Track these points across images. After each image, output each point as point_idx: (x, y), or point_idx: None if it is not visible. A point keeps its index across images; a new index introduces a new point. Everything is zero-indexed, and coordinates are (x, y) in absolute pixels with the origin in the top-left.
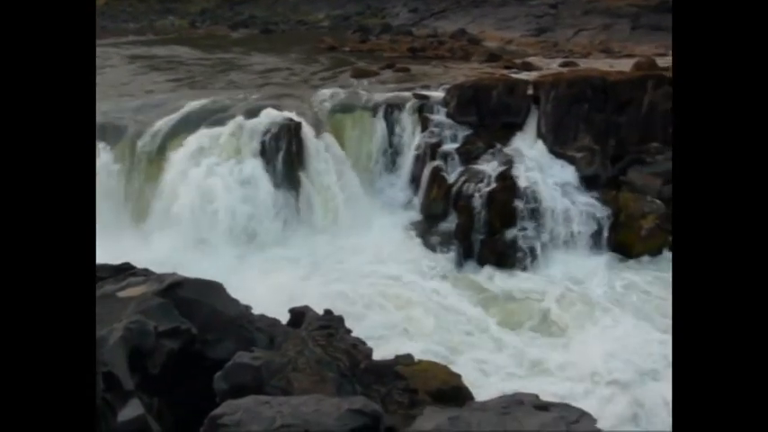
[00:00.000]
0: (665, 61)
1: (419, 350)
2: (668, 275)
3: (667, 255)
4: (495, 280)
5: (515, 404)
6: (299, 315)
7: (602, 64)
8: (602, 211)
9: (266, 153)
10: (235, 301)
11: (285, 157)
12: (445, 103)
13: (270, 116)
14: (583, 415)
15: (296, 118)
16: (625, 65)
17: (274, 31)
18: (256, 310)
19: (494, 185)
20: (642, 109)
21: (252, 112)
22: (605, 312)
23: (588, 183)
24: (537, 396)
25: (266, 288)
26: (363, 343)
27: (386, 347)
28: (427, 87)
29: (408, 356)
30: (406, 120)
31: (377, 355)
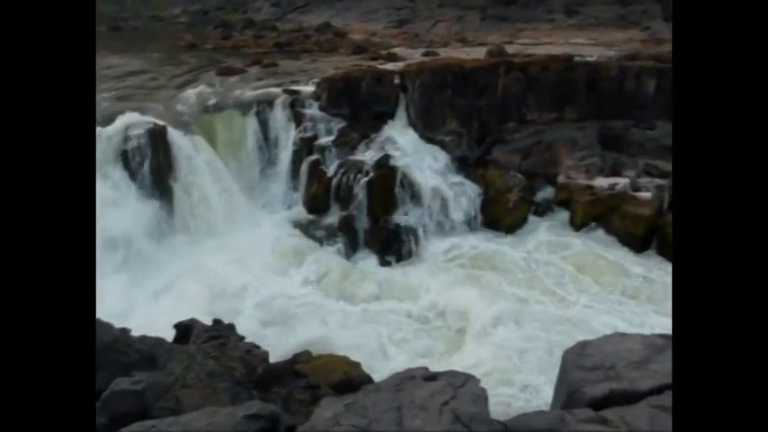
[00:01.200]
0: (513, 48)
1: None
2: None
3: (533, 218)
4: (381, 268)
5: (407, 379)
6: (185, 329)
7: (459, 52)
8: (474, 189)
9: (130, 163)
10: (107, 326)
11: (152, 165)
12: (317, 96)
13: (129, 122)
14: (468, 378)
15: (160, 122)
16: (479, 52)
17: (124, 27)
18: (140, 331)
19: (372, 175)
20: (498, 92)
21: (108, 119)
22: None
23: (459, 164)
24: (426, 368)
25: (145, 306)
26: (258, 347)
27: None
28: (297, 82)
29: (306, 353)
30: (279, 116)
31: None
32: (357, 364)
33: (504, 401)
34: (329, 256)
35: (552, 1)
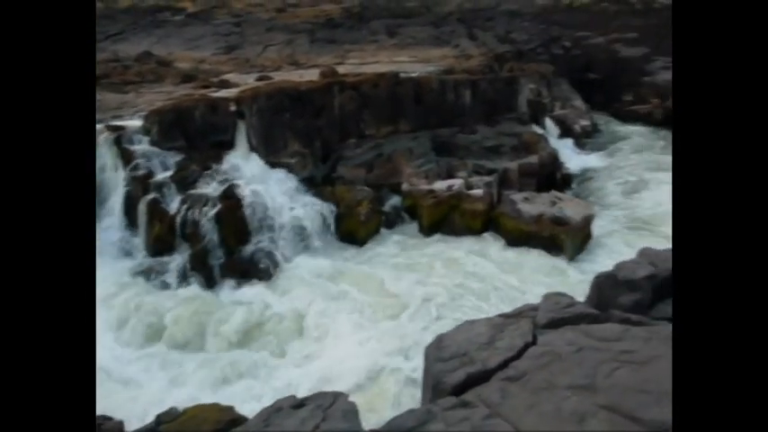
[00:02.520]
0: (344, 68)
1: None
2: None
3: (384, 232)
4: (242, 301)
5: (275, 412)
6: None
7: (293, 75)
8: (325, 207)
9: None
10: None
11: None
12: (146, 131)
13: None
14: (337, 396)
15: None
16: (312, 74)
17: None
18: None
19: (219, 206)
20: (335, 111)
21: None
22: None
23: (307, 184)
24: (294, 396)
25: None
26: (110, 418)
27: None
28: (121, 117)
29: (171, 411)
30: (105, 155)
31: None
32: (230, 408)
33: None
34: (181, 299)
35: (374, 23)
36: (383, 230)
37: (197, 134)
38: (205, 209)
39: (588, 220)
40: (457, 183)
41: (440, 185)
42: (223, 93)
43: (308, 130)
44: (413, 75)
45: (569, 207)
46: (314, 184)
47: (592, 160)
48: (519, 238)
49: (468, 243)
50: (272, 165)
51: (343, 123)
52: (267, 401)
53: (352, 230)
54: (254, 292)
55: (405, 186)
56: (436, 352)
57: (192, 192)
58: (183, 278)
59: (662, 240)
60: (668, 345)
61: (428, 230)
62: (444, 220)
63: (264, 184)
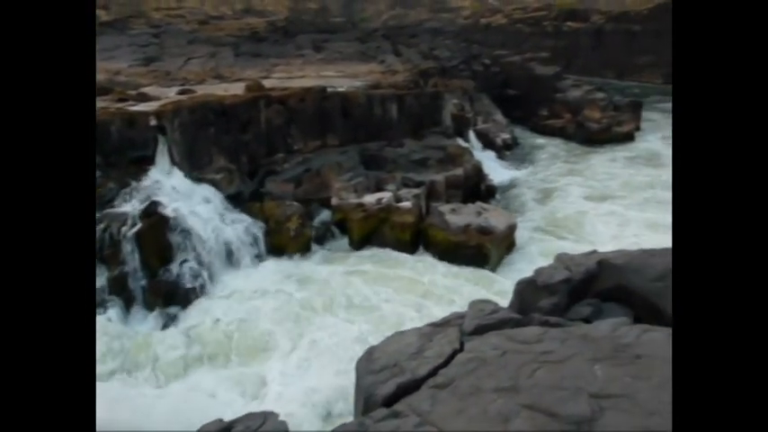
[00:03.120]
0: (270, 83)
1: None
2: (329, 266)
3: (314, 247)
4: (163, 328)
5: None
6: None
7: (217, 89)
8: (254, 223)
9: None
10: None
11: None
12: None
13: None
14: (267, 416)
15: None
16: (238, 88)
17: None
18: None
19: (140, 225)
20: (261, 126)
21: None
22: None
23: (234, 200)
24: (220, 420)
25: None
26: None
27: None
28: None
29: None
30: None
31: None
32: None
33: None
34: (98, 328)
35: (300, 38)
36: (314, 245)
37: (113, 150)
38: (124, 228)
39: (512, 229)
40: (386, 196)
41: (369, 199)
42: (142, 106)
43: (234, 145)
44: (340, 89)
45: (494, 217)
46: (241, 201)
47: (513, 171)
48: (448, 248)
49: (398, 255)
50: (197, 181)
51: (270, 138)
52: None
53: (282, 246)
54: (179, 316)
55: (334, 200)
56: (367, 364)
57: (110, 210)
58: (101, 304)
59: (576, 242)
60: (583, 343)
61: (358, 244)
62: (374, 233)
63: (188, 201)
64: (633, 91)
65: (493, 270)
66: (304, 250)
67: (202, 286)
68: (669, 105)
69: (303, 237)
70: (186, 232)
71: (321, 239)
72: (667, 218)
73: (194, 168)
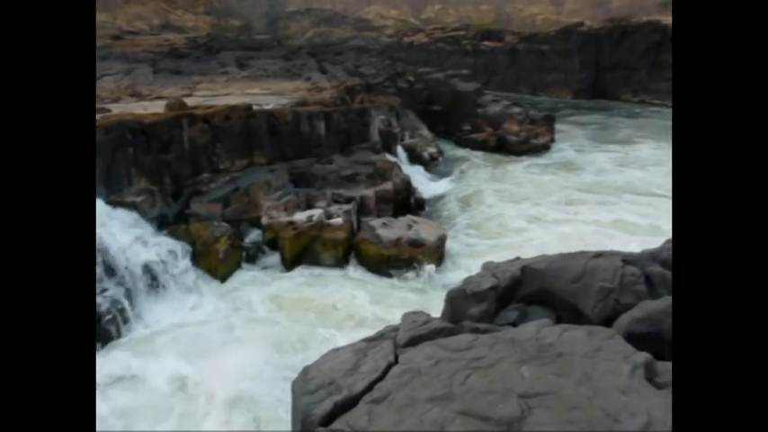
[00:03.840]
0: (193, 101)
1: None
2: (261, 288)
3: (245, 267)
4: None
5: None
6: None
7: (136, 107)
8: (180, 247)
9: None
10: None
11: None
12: None
13: None
14: None
15: None
16: (158, 106)
17: None
18: None
19: None
20: (185, 145)
21: None
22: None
23: (158, 223)
24: None
25: None
26: None
27: None
28: None
29: None
30: None
31: None
32: None
33: None
34: None
35: (223, 55)
36: (245, 265)
37: None
38: None
39: (442, 240)
40: (317, 213)
41: (300, 216)
42: None
43: (156, 166)
44: (266, 107)
45: (424, 229)
46: (165, 224)
47: (441, 183)
48: (380, 262)
49: (330, 272)
50: (116, 204)
51: (194, 157)
52: None
53: (212, 269)
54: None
55: (264, 220)
56: (302, 385)
57: None
58: None
59: (502, 247)
60: (510, 346)
61: (290, 263)
62: (306, 250)
63: (107, 227)
64: (546, 105)
65: (426, 281)
66: (234, 271)
67: (125, 320)
68: (578, 118)
69: (233, 258)
70: (105, 261)
71: (252, 260)
72: (580, 212)
73: (112, 191)
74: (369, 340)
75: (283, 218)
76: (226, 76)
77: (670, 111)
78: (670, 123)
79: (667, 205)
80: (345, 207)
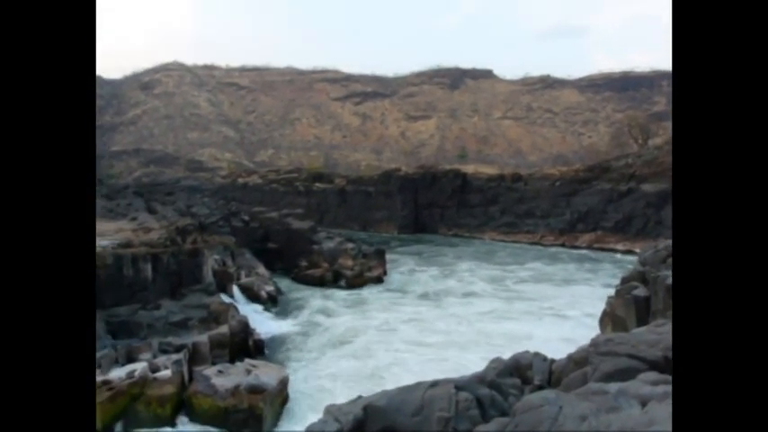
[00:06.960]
0: None
1: None
2: None
3: None
4: None
5: None
6: None
7: None
8: None
9: None
10: None
11: None
12: None
13: None
14: None
15: None
16: None
17: None
18: None
19: None
20: None
21: None
22: None
23: None
24: None
25: None
26: None
27: None
28: None
29: None
30: None
31: None
32: None
33: None
34: None
35: None
36: None
37: None
38: None
39: (284, 383)
40: (139, 367)
41: (118, 373)
42: None
43: None
44: None
45: (264, 373)
46: None
47: (280, 322)
48: (216, 416)
49: None
50: None
51: None
52: None
53: None
54: None
55: None
56: None
57: None
58: None
59: (346, 378)
60: None
61: (104, 431)
62: (125, 413)
63: None
64: (375, 240)
65: (269, 430)
66: None
67: None
68: (406, 248)
69: None
70: None
71: None
72: (416, 322)
73: None
74: None
75: (97, 377)
76: None
77: (478, 240)
78: (481, 249)
79: (483, 304)
80: (175, 357)
